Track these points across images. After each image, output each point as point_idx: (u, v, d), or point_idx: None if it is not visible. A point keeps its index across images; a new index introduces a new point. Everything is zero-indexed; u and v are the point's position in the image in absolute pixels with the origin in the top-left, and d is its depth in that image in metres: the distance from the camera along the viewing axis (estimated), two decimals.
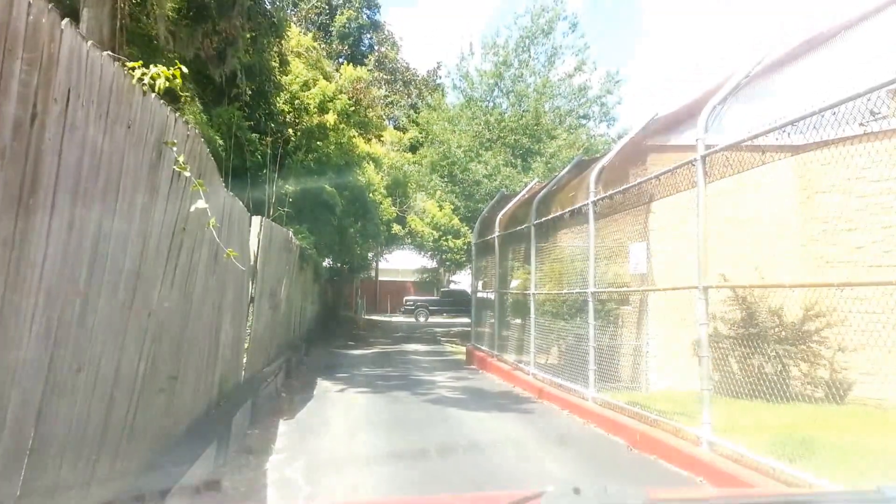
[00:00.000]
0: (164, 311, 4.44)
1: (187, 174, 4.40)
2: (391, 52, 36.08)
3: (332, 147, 16.11)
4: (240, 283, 8.04)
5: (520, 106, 28.95)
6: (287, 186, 15.46)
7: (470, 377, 15.20)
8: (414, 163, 27.15)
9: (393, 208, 25.45)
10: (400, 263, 55.83)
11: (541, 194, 13.05)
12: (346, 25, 35.33)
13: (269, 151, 15.22)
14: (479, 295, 19.70)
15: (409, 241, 29.75)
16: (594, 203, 10.13)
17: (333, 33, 35.67)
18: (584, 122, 29.72)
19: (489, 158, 27.35)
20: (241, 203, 7.69)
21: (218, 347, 6.80)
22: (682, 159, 7.68)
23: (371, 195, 21.14)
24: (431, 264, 54.55)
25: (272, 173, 14.81)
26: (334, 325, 30.29)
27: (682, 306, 8.89)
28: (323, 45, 30.39)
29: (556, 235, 12.88)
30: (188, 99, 13.64)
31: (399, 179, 24.82)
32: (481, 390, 13.09)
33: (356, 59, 31.41)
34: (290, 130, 16.65)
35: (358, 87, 25.47)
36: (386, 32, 36.82)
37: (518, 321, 15.07)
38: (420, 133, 30.07)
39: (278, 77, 17.12)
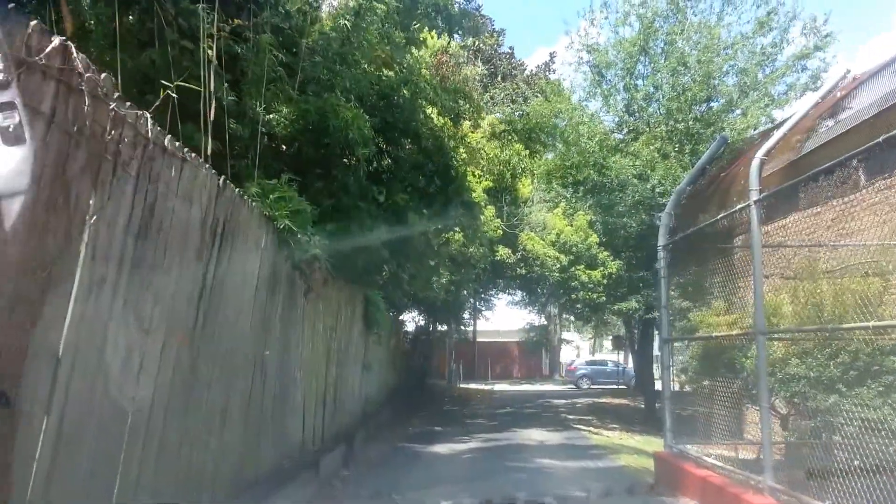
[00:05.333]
0: None
1: None
2: (490, 38, 27.72)
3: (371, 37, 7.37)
4: None
5: (675, 80, 19.62)
6: (271, 116, 6.87)
7: None
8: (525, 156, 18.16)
9: (497, 221, 16.31)
10: (501, 323, 46.93)
11: None
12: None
13: (238, 50, 6.75)
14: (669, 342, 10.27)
15: (524, 269, 20.01)
16: None
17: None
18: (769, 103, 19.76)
19: (639, 147, 18.19)
20: None
21: None
22: None
23: (454, 156, 11.45)
24: (539, 320, 45.25)
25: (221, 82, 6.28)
26: (417, 399, 21.54)
27: None
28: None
29: None
30: None
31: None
32: None
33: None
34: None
35: (442, 59, 17.39)
36: (481, 17, 28.56)
37: None
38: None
39: None
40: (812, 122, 8.07)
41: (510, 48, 28.85)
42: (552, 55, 30.81)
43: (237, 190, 4.94)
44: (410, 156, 9.21)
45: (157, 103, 4.17)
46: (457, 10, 18.67)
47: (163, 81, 4.28)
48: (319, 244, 6.80)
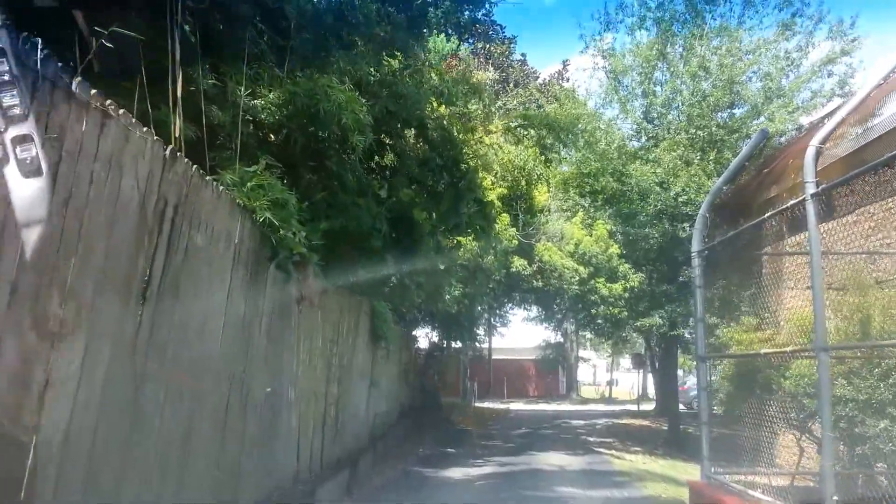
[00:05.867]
0: None
1: None
2: (501, 45, 26.93)
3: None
4: None
5: (696, 85, 18.73)
6: (256, 101, 6.06)
7: None
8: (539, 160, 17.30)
9: (512, 229, 15.41)
10: (516, 340, 46.10)
11: None
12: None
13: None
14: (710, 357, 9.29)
15: (540, 281, 18.93)
16: None
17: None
18: (796, 108, 18.72)
19: (661, 154, 17.30)
20: None
21: None
22: None
23: (464, 147, 10.39)
24: (555, 337, 44.11)
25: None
26: (430, 418, 20.61)
27: None
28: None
29: None
30: None
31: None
32: None
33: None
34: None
35: (451, 64, 16.74)
36: (493, 24, 27.83)
37: None
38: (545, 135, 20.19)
39: None
40: (869, 110, 7.17)
41: (522, 55, 28.00)
42: (565, 62, 29.95)
43: (194, 167, 4.08)
44: (415, 149, 8.34)
45: (90, 57, 3.34)
46: (467, 16, 17.99)
47: (97, 28, 3.44)
48: (310, 244, 5.94)
